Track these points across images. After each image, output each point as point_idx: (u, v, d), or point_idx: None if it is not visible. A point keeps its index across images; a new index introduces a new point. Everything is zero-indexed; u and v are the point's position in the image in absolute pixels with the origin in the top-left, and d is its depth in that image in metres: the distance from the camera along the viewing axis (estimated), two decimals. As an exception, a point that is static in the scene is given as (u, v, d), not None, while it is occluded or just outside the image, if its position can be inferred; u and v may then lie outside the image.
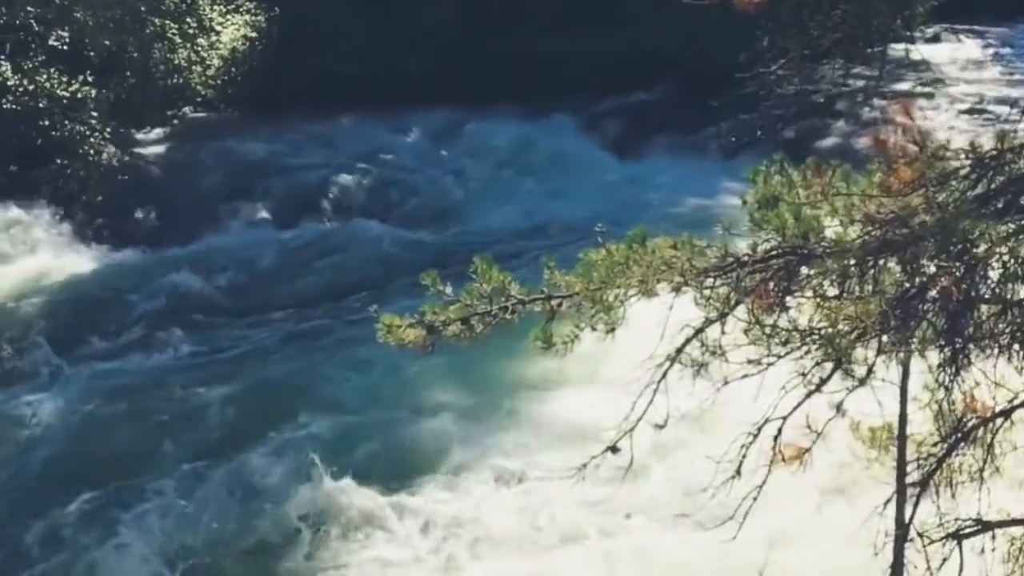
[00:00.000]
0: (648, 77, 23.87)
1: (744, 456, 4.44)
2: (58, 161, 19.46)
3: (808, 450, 4.32)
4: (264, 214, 19.91)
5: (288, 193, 20.59)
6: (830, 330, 4.22)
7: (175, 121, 23.47)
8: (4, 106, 18.73)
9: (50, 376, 13.74)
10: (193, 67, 22.73)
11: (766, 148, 17.79)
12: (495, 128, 22.66)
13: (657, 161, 21.29)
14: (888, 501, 5.01)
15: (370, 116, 23.22)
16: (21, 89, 18.89)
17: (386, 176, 21.05)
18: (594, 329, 4.78)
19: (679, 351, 4.53)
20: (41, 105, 19.16)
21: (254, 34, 24.40)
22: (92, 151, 19.70)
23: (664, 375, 4.59)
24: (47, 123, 19.32)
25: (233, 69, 23.91)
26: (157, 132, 22.93)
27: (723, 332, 4.37)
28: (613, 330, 4.72)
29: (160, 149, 22.45)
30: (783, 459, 4.33)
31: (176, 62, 22.40)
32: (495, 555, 9.38)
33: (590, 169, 20.95)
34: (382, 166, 21.35)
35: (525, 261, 5.42)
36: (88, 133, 19.70)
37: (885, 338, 4.42)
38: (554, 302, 5.03)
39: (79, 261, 17.87)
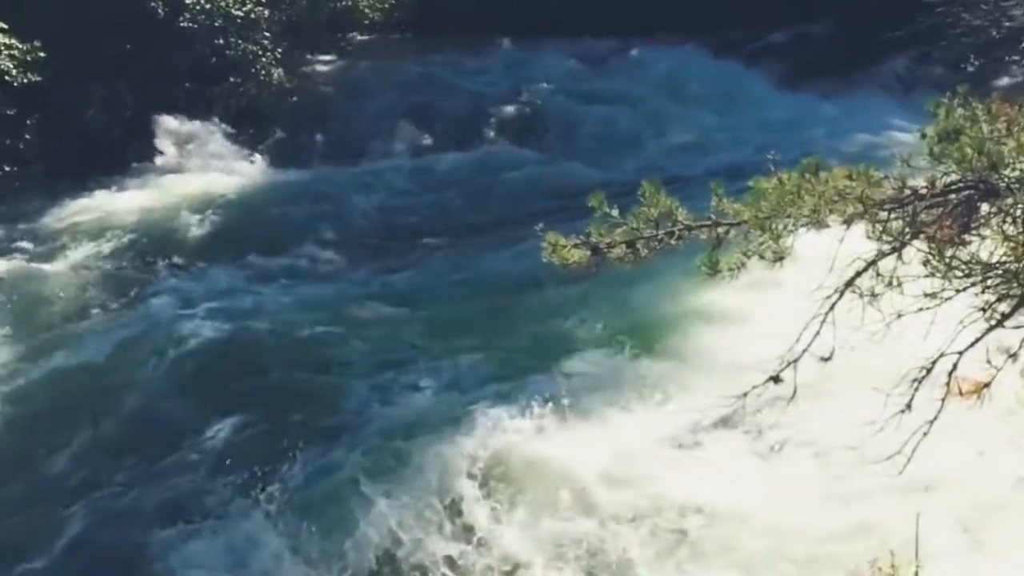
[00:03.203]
0: (817, 8, 23.17)
1: (916, 390, 4.35)
2: (231, 79, 20.04)
3: (987, 385, 4.21)
4: (427, 138, 20.17)
5: (451, 117, 20.79)
6: (1015, 265, 4.09)
7: (342, 44, 23.82)
8: (181, 24, 19.25)
9: (213, 288, 14.15)
10: (362, -10, 22.99)
11: (943, 83, 17.20)
12: (656, 59, 22.38)
13: (824, 96, 20.72)
14: (1058, 449, 4.84)
15: (535, 42, 23.19)
16: (198, 7, 19.38)
17: (551, 103, 21.02)
18: (762, 258, 4.72)
19: (849, 283, 4.44)
20: (216, 24, 19.66)
21: (422, -43, 24.49)
22: (264, 71, 20.20)
23: (832, 307, 4.52)
24: (221, 42, 19.84)
25: (400, -7, 24.09)
26: (325, 55, 23.34)
27: (902, 261, 4.27)
28: (781, 259, 4.64)
29: (328, 71, 22.89)
30: (960, 392, 4.23)
31: (345, -15, 22.68)
32: (655, 487, 9.31)
33: (754, 103, 20.51)
34: (546, 93, 21.34)
35: (690, 190, 5.31)
36: (260, 53, 20.18)
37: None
38: (720, 229, 4.96)
39: (248, 178, 18.42)
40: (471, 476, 9.69)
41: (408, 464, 9.95)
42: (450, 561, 9.04)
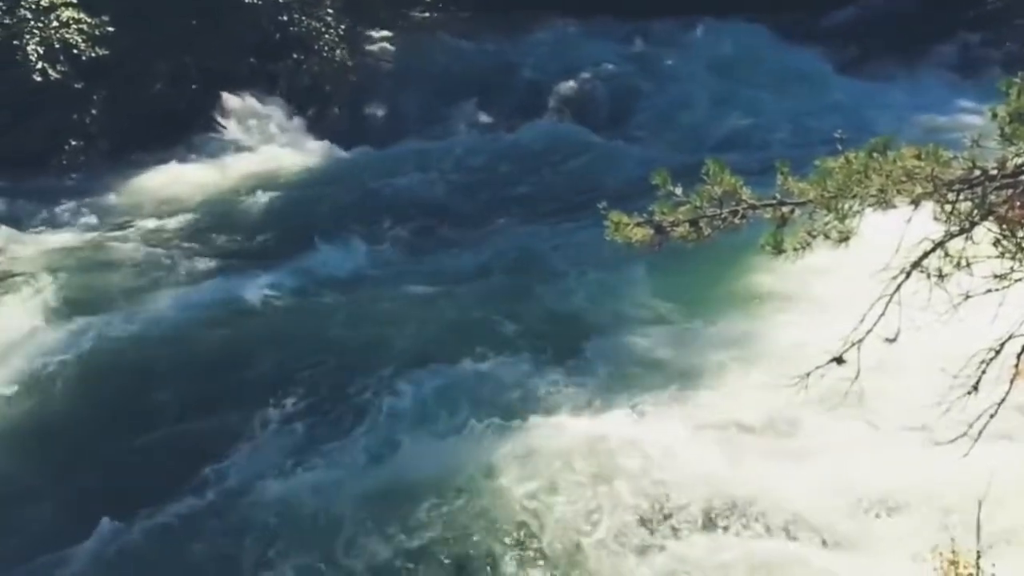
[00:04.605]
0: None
1: (983, 372, 4.30)
2: (295, 56, 20.15)
3: (1057, 367, 4.16)
4: (486, 116, 20.17)
5: (511, 96, 20.79)
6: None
7: (402, 22, 23.87)
8: (245, 0, 19.38)
9: (276, 263, 14.19)
10: (423, -33, 23.05)
11: (1013, 62, 16.88)
12: (715, 40, 22.19)
13: (889, 78, 20.45)
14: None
15: (589, 20, 23.11)
16: (262, -17, 19.51)
17: (607, 83, 20.95)
18: (827, 237, 4.67)
19: (917, 263, 4.39)
20: (281, 0, 19.77)
21: (485, -66, 24.45)
22: (326, 48, 20.30)
23: (899, 287, 4.47)
24: (286, 18, 19.96)
25: (462, -30, 24.11)
26: (386, 32, 23.40)
27: (972, 241, 4.21)
28: (847, 239, 4.59)
29: (388, 48, 22.94)
30: (1029, 375, 4.18)
31: (407, -38, 22.74)
32: (714, 471, 9.23)
33: (817, 86, 20.29)
34: (602, 73, 21.25)
35: (753, 170, 5.22)
36: (323, 30, 20.28)
37: None
38: (785, 208, 4.92)
39: (308, 155, 18.53)
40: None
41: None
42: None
